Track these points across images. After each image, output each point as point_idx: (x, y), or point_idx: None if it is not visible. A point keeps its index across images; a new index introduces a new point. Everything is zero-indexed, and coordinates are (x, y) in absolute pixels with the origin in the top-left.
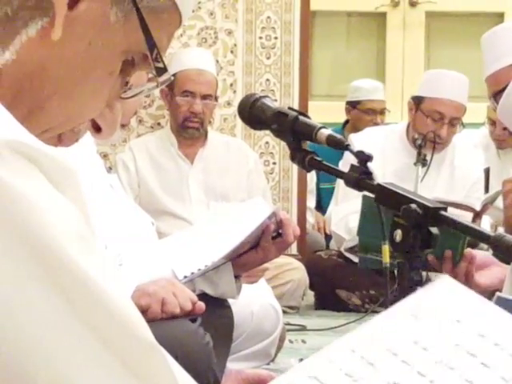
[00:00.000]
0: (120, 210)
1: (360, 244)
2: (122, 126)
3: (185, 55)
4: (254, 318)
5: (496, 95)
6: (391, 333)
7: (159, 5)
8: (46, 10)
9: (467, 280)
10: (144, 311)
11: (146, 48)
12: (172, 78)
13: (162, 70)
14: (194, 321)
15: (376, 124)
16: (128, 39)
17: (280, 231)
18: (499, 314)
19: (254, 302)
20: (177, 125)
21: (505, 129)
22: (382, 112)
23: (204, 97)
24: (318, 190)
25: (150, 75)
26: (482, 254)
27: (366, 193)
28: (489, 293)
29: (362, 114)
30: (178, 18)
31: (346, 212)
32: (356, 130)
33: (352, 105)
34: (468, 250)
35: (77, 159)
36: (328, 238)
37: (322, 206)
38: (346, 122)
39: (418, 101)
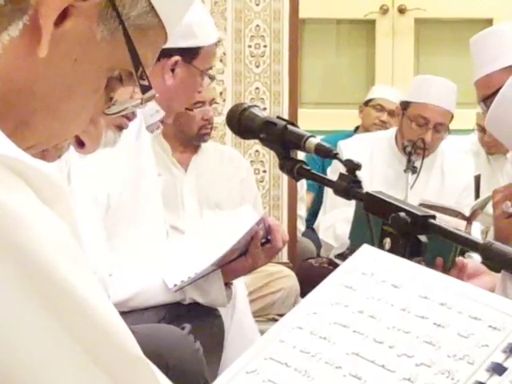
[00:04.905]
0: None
1: (351, 248)
2: None
3: None
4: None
5: (486, 99)
6: (332, 306)
7: (145, 23)
8: (24, 10)
9: None
10: None
11: (131, 65)
12: (157, 95)
13: (146, 88)
14: (182, 329)
15: (382, 122)
16: (113, 56)
17: (269, 237)
18: (429, 274)
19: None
20: (189, 136)
21: None
22: (390, 113)
23: (211, 102)
24: (322, 197)
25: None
26: (473, 262)
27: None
28: None
29: (371, 109)
30: (163, 35)
31: (333, 220)
32: (367, 132)
33: (365, 103)
34: (460, 259)
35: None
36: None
37: None
38: (357, 127)
39: (404, 106)
